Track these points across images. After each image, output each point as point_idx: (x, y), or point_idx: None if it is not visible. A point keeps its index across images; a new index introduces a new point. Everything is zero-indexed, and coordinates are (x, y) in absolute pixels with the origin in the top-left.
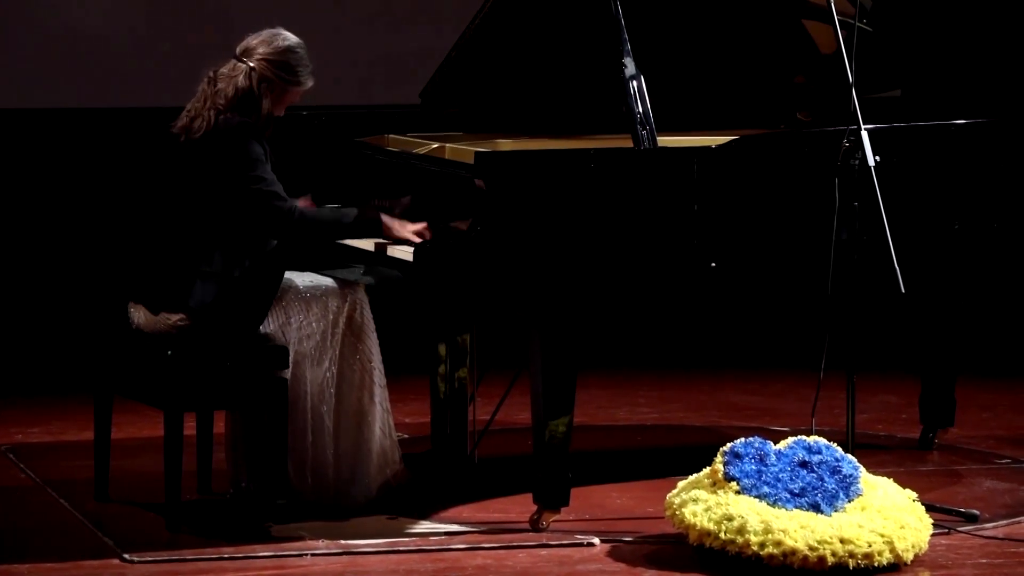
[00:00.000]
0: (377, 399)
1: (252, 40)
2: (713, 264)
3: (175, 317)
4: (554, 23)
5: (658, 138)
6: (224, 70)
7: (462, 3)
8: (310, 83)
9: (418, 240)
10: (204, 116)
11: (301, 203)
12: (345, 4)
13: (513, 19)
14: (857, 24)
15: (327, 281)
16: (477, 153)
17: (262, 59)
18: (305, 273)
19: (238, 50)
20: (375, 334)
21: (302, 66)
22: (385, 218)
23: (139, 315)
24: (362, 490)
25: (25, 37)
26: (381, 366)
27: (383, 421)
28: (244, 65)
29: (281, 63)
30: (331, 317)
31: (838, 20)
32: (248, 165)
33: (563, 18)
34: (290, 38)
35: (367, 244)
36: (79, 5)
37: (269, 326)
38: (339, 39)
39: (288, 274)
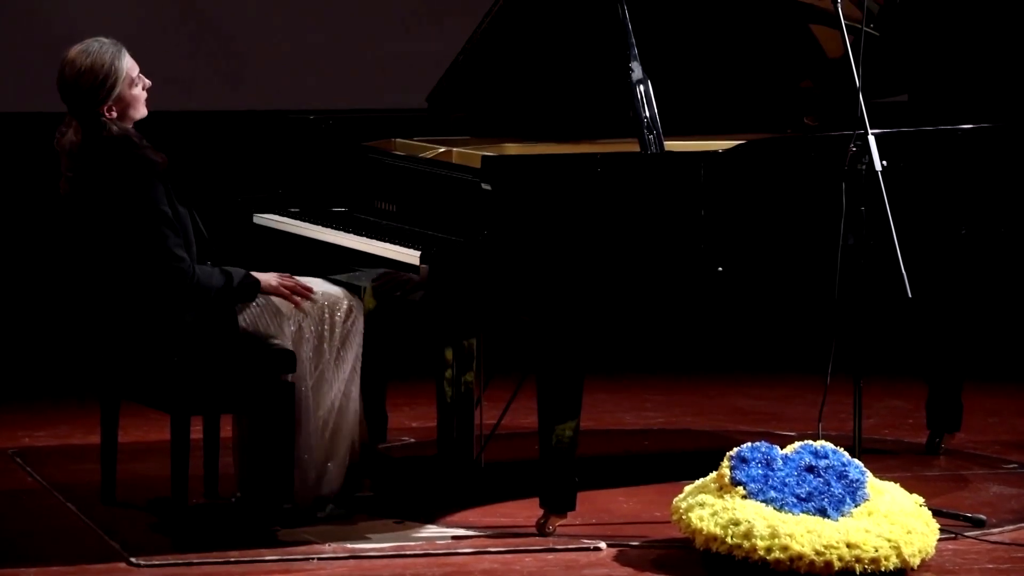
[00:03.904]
0: (351, 407)
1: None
2: (720, 268)
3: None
4: (561, 27)
5: (665, 142)
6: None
7: (469, 7)
8: (124, 67)
9: (288, 293)
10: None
11: None
12: (353, 8)
13: (520, 23)
14: (864, 29)
15: (331, 288)
16: (484, 157)
17: (71, 102)
18: (311, 279)
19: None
20: (360, 340)
21: (101, 77)
22: (261, 277)
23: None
24: (327, 485)
25: (34, 41)
26: (358, 371)
27: (353, 425)
28: (71, 120)
29: (84, 94)
30: (327, 321)
31: (845, 25)
32: (147, 212)
33: (570, 22)
34: (67, 63)
35: (370, 247)
36: (87, 12)
37: (269, 327)
38: (346, 43)
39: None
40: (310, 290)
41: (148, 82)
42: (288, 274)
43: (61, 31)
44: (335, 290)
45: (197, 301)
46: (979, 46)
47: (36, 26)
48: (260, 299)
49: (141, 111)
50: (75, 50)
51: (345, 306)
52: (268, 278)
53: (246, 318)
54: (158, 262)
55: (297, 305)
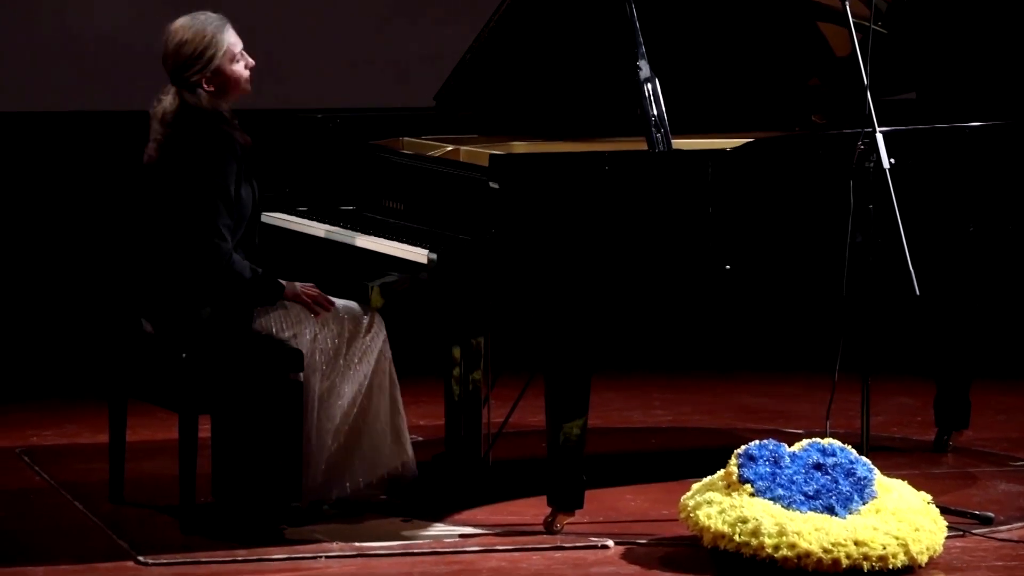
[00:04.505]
0: (372, 424)
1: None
2: (728, 266)
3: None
4: (569, 25)
5: (673, 140)
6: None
7: (476, 6)
8: (226, 41)
9: (313, 305)
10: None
11: None
12: (360, 7)
13: (527, 22)
14: (872, 27)
15: (354, 305)
16: (492, 156)
17: (171, 70)
18: (336, 298)
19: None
20: (387, 350)
21: (200, 49)
22: (286, 284)
23: (147, 327)
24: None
25: (50, 41)
26: (389, 386)
27: (377, 441)
28: (171, 87)
29: (183, 63)
30: (346, 335)
31: (853, 23)
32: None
33: (578, 20)
34: (171, 32)
35: (378, 245)
36: (101, 10)
37: (284, 332)
38: (354, 42)
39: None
40: (332, 304)
41: (251, 61)
42: (312, 284)
43: (63, 29)
44: (358, 307)
45: (223, 286)
46: (987, 44)
47: (40, 25)
48: (279, 305)
49: (242, 88)
50: (180, 20)
51: (366, 322)
52: (292, 286)
53: (262, 321)
54: (202, 233)
55: (316, 315)
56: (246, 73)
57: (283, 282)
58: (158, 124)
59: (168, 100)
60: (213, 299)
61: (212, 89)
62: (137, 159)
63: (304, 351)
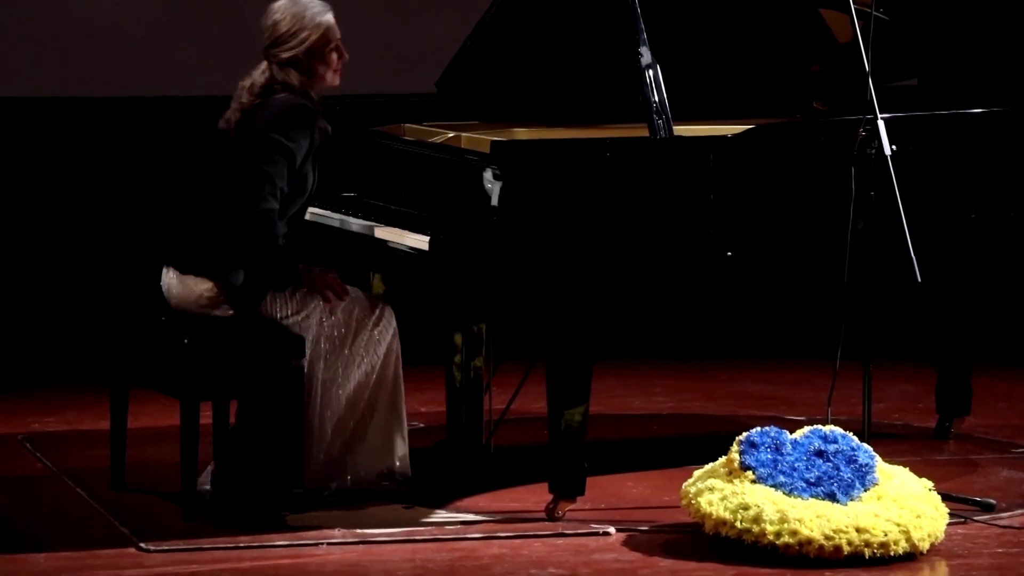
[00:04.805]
0: (372, 416)
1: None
2: (729, 253)
3: (204, 286)
4: (570, 12)
5: (674, 127)
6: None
7: None
8: (323, 26)
9: (321, 286)
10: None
11: None
12: None
13: (529, 8)
14: (874, 13)
15: (365, 296)
16: (493, 142)
17: (266, 46)
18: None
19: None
20: (396, 345)
21: (295, 28)
22: (303, 268)
23: (170, 277)
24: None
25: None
26: (393, 382)
27: (380, 434)
28: (263, 63)
29: (276, 40)
30: (354, 325)
31: (855, 9)
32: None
33: (579, 7)
34: (271, 8)
35: (379, 232)
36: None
37: (290, 317)
38: (355, 28)
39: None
40: (346, 293)
41: (346, 56)
42: (333, 272)
43: (76, 16)
44: (368, 298)
45: (252, 248)
46: (988, 30)
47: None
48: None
49: (330, 79)
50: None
51: (376, 314)
52: (309, 270)
53: (271, 302)
54: (258, 187)
55: (327, 301)
56: (337, 64)
57: (301, 266)
58: (246, 92)
59: (258, 73)
60: (245, 260)
61: (302, 71)
62: (142, 145)
63: (309, 337)
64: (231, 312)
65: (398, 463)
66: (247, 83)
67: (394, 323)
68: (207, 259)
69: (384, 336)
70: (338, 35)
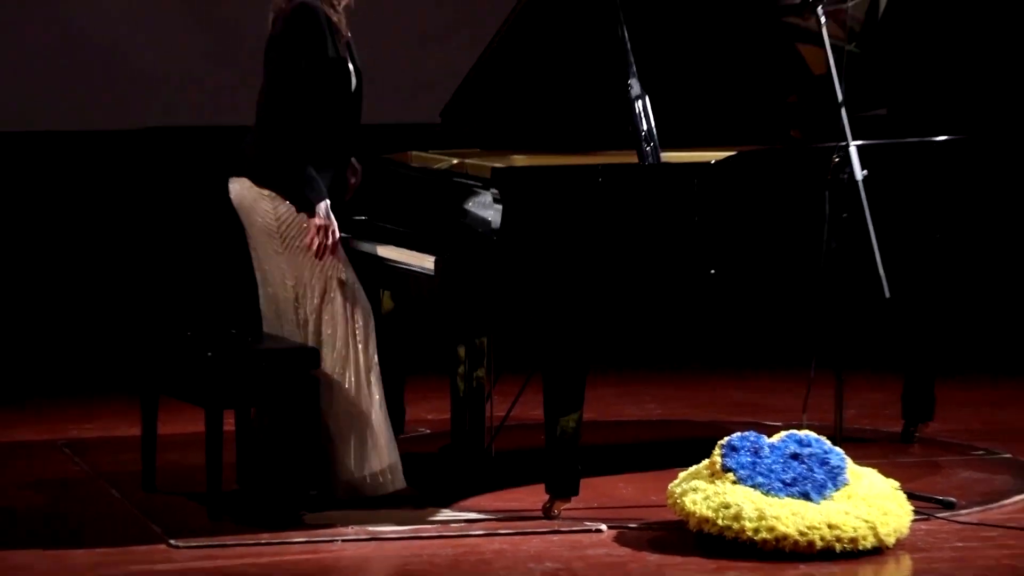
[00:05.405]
0: (365, 406)
1: None
2: (712, 271)
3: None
4: (566, 46)
5: (661, 153)
6: None
7: (480, 27)
8: None
9: (315, 232)
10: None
11: None
12: (372, 27)
13: (528, 43)
14: (847, 47)
15: (360, 291)
16: (494, 169)
17: None
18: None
19: None
20: (373, 337)
21: None
22: (321, 206)
23: (237, 188)
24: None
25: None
26: (375, 372)
27: (367, 431)
28: None
29: None
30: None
31: (829, 44)
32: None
33: (574, 42)
34: None
35: (388, 253)
36: (128, 32)
37: (288, 281)
38: (367, 63)
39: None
40: (330, 254)
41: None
42: (336, 229)
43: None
44: (363, 295)
45: (283, 149)
46: (954, 63)
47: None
48: (289, 280)
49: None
50: None
51: (361, 304)
52: (323, 212)
53: (270, 276)
54: (268, 98)
55: (315, 251)
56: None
57: (321, 205)
58: (271, 22)
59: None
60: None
61: None
62: (168, 173)
63: (308, 310)
64: (285, 211)
65: (389, 470)
66: (274, 7)
67: (372, 324)
68: (280, 178)
69: (363, 334)
70: None
